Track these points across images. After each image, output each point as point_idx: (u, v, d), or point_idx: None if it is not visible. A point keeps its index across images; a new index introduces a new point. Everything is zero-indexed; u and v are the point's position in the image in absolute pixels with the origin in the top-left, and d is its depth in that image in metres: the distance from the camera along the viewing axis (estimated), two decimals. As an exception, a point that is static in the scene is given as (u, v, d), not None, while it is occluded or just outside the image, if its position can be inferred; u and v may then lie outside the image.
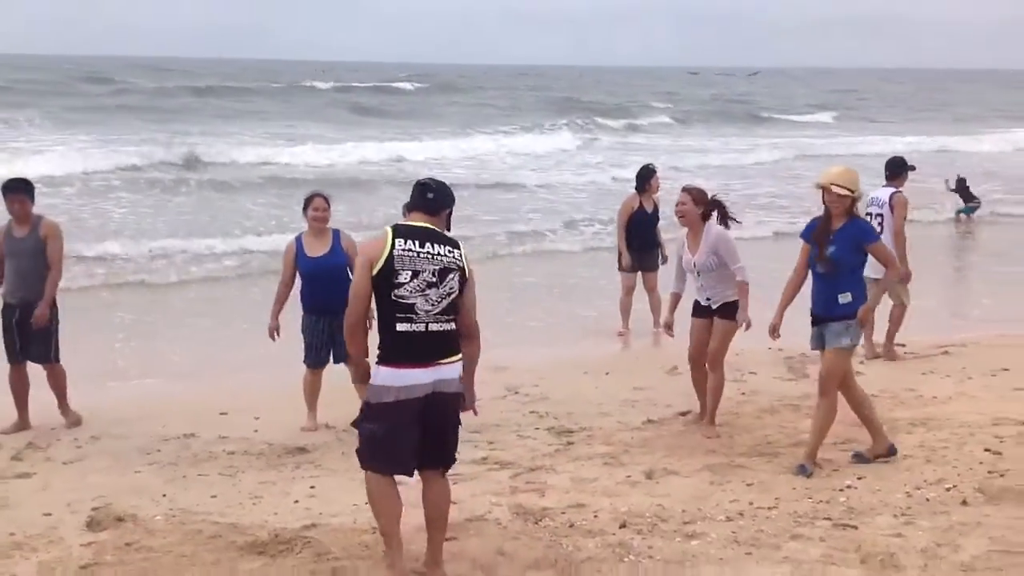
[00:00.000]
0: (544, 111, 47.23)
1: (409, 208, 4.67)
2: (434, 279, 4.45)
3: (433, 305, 4.45)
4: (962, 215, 19.18)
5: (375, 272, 4.43)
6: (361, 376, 4.70)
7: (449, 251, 4.52)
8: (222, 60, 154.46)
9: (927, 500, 5.51)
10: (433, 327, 4.45)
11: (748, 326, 6.94)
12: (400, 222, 4.63)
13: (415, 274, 4.42)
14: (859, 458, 6.17)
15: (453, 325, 4.53)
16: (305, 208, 7.23)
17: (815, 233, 6.07)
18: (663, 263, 10.29)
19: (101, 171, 21.70)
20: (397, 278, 4.41)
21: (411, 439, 4.52)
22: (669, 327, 7.36)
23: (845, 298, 5.93)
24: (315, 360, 7.20)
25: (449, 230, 4.70)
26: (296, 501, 5.73)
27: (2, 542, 5.10)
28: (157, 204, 18.75)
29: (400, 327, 4.42)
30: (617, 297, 10.40)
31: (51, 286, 7.19)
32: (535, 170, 25.77)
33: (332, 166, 24.95)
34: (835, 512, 5.36)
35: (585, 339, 10.14)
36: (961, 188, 19.50)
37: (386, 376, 4.45)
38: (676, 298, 7.27)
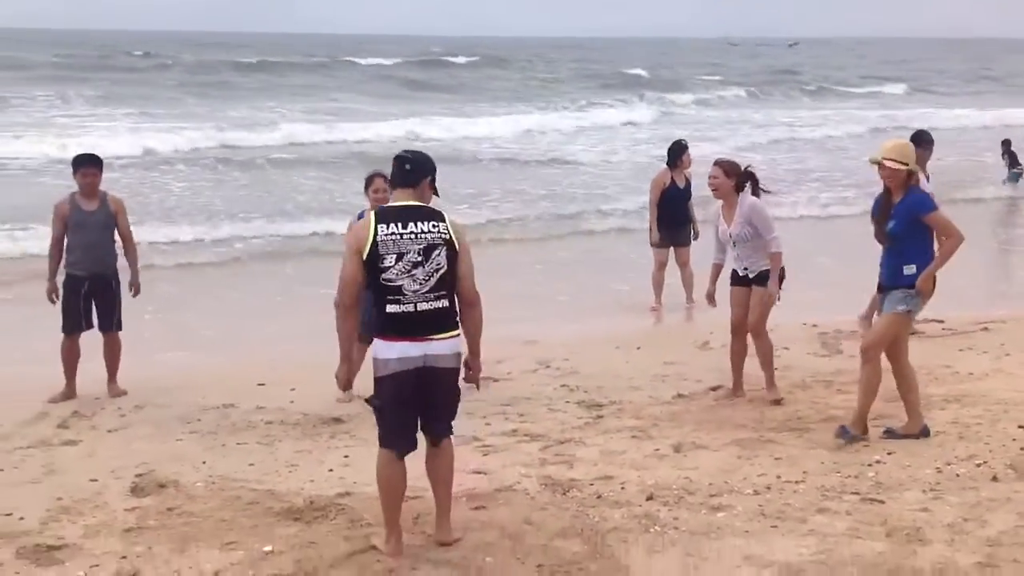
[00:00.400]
0: (604, 85, 47.09)
1: (392, 184, 4.75)
2: (419, 258, 4.50)
3: (421, 284, 4.50)
4: (1008, 183, 18.87)
5: (364, 258, 4.51)
6: (343, 378, 4.79)
7: (433, 226, 4.56)
8: (245, 33, 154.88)
9: (957, 476, 5.51)
10: (422, 306, 4.50)
11: (777, 299, 6.97)
12: (384, 205, 4.70)
13: (399, 256, 4.48)
14: (890, 434, 6.17)
15: (446, 302, 4.58)
16: (366, 187, 7.33)
17: (878, 210, 6.13)
18: (695, 239, 10.31)
19: (152, 148, 21.81)
20: (383, 263, 4.48)
21: (409, 416, 4.65)
22: (711, 297, 7.43)
23: (910, 269, 5.95)
24: (370, 332, 7.33)
25: (437, 194, 4.76)
26: (331, 470, 5.87)
27: (50, 507, 5.29)
28: (208, 182, 18.91)
29: (390, 308, 4.51)
30: (650, 272, 10.43)
31: (136, 257, 7.67)
32: (603, 146, 25.54)
33: (386, 142, 24.94)
34: (863, 487, 5.38)
35: (618, 314, 10.19)
36: (1007, 151, 19.05)
37: (379, 348, 4.57)
38: (717, 268, 7.37)
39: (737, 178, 7.03)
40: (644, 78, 51.63)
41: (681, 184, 10.19)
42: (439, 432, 4.76)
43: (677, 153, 10.18)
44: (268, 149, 22.91)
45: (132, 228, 7.77)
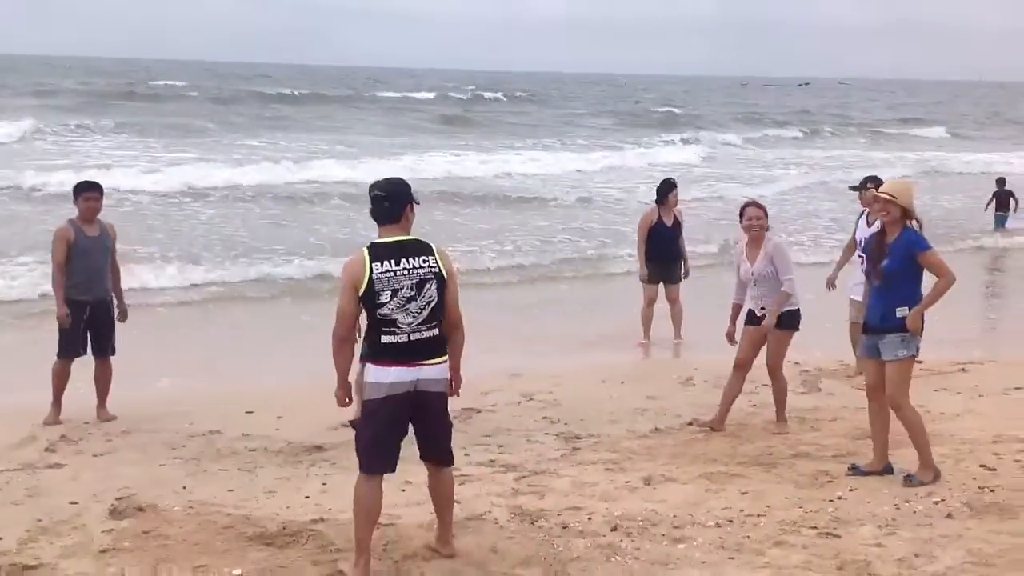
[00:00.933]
0: (637, 122, 47.41)
1: (375, 220, 4.87)
2: (412, 293, 4.71)
3: (414, 317, 4.72)
4: (999, 228, 18.77)
5: (360, 294, 4.70)
6: (339, 398, 4.94)
7: (423, 261, 4.76)
8: (266, 64, 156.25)
9: (914, 513, 5.61)
10: (415, 336, 4.73)
11: (766, 327, 7.21)
12: (374, 240, 4.83)
13: (394, 293, 4.69)
14: (855, 470, 6.28)
15: (436, 331, 4.80)
16: None
17: (871, 248, 6.28)
18: (685, 276, 10.46)
19: (181, 180, 21.43)
20: (379, 299, 4.69)
21: (394, 438, 4.84)
22: (731, 337, 7.55)
23: (903, 311, 6.00)
24: None
25: (414, 206, 4.86)
26: (307, 496, 6.02)
27: (30, 527, 5.45)
28: (235, 214, 18.90)
29: (385, 339, 4.73)
30: (639, 308, 10.57)
31: (120, 284, 7.88)
32: (628, 183, 25.37)
33: (415, 178, 24.62)
34: (822, 521, 5.49)
35: (607, 348, 10.30)
36: (996, 190, 18.90)
37: (371, 372, 4.77)
38: (737, 308, 7.53)
39: (768, 219, 7.34)
40: (677, 115, 52.19)
41: (668, 222, 10.34)
42: (440, 457, 4.96)
43: (665, 192, 10.35)
44: (296, 183, 22.81)
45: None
